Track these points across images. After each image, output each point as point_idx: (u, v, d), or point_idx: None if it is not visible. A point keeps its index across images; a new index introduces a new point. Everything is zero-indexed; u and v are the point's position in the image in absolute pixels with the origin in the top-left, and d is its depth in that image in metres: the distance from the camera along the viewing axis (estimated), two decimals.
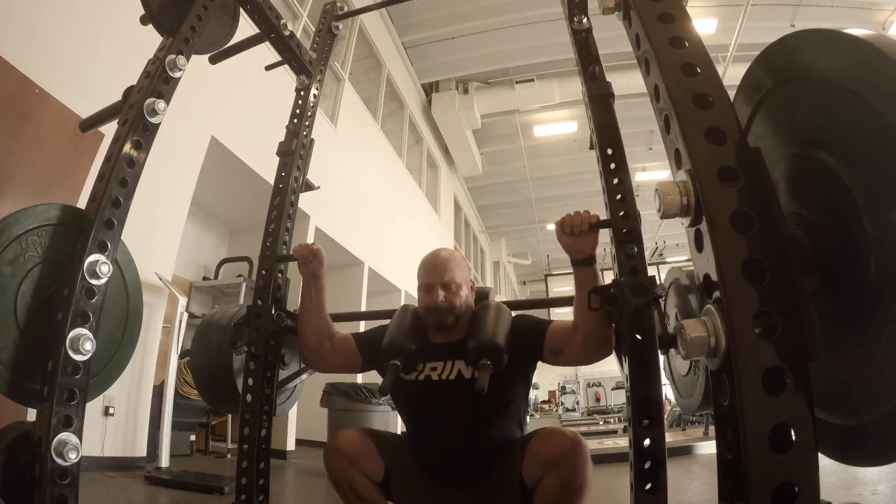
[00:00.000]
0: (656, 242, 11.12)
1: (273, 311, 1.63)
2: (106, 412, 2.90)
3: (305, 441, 4.83)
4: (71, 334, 1.08)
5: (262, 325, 1.61)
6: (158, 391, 3.32)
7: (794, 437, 0.60)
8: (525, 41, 7.63)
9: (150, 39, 1.46)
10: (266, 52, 2.08)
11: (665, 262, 9.43)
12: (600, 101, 1.47)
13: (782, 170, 1.00)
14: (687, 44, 0.84)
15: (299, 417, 4.68)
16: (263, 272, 1.70)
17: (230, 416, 4.28)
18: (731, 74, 5.25)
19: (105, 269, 1.17)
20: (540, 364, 1.48)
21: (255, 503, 1.49)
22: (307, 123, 1.96)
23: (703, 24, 6.90)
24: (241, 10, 1.79)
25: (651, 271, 1.30)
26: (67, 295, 1.11)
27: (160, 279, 3.27)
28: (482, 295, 1.63)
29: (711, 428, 3.57)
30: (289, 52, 1.95)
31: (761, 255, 0.66)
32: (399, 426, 3.81)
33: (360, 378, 4.64)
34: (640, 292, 1.21)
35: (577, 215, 1.30)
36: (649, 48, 0.86)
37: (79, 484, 1.05)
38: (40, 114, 2.54)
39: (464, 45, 7.79)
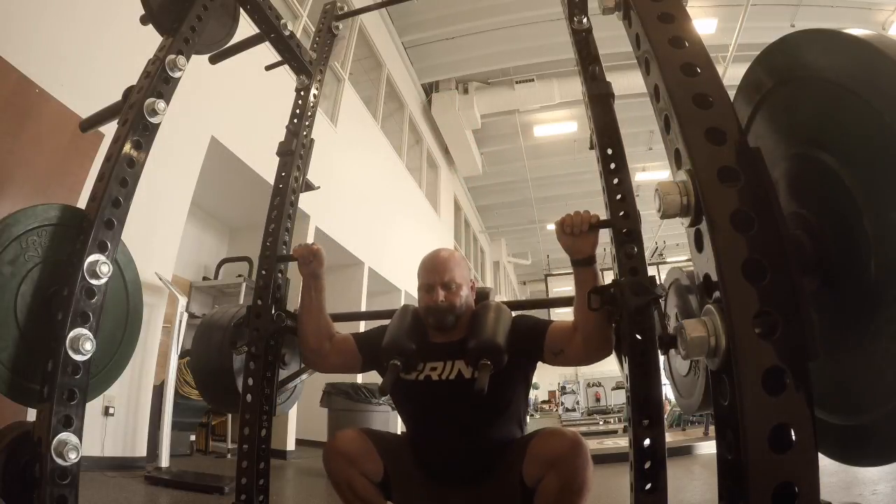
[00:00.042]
0: (656, 242, 11.12)
1: (273, 311, 1.63)
2: (106, 412, 2.90)
3: (305, 441, 4.83)
4: (71, 334, 1.08)
5: (262, 325, 1.61)
6: (158, 391, 3.32)
7: (794, 437, 0.60)
8: (525, 41, 7.63)
9: (150, 39, 1.46)
10: (266, 52, 2.08)
11: (665, 262, 9.43)
12: (600, 101, 1.47)
13: (782, 170, 1.00)
14: (687, 44, 0.84)
15: (299, 417, 4.69)
16: (263, 272, 1.70)
17: (230, 416, 4.28)
18: (731, 74, 5.24)
19: (105, 269, 1.17)
20: (540, 364, 1.48)
21: (255, 503, 1.49)
22: (307, 123, 1.96)
23: (703, 24, 6.90)
24: (241, 10, 1.79)
25: (651, 271, 1.30)
26: (67, 295, 1.11)
27: (160, 279, 3.27)
28: (482, 295, 1.63)
29: (711, 428, 3.57)
30: (289, 52, 1.95)
31: (761, 255, 0.66)
32: (399, 426, 3.81)
33: (360, 378, 4.64)
34: (640, 292, 1.21)
35: (577, 215, 1.30)
36: (649, 48, 0.86)
37: (79, 484, 1.05)
38: (40, 114, 2.54)
39: (464, 45, 7.79)
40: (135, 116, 1.29)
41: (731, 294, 0.64)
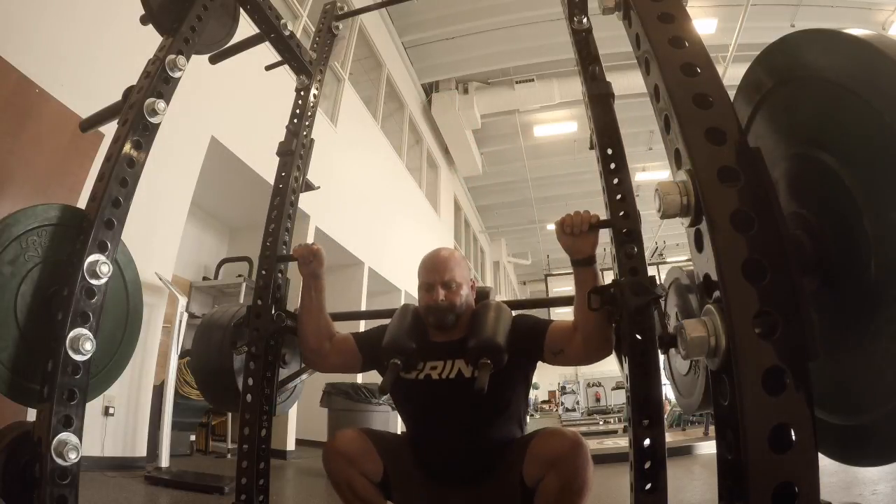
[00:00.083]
0: (656, 242, 11.13)
1: (273, 311, 1.63)
2: (106, 412, 2.90)
3: (305, 441, 4.83)
4: (71, 334, 1.08)
5: (262, 325, 1.61)
6: (158, 391, 3.32)
7: (794, 437, 0.60)
8: (525, 41, 7.63)
9: (151, 39, 1.46)
10: (266, 52, 2.08)
11: (665, 262, 9.44)
12: (600, 101, 1.47)
13: (782, 170, 1.00)
14: (687, 44, 0.84)
15: (299, 417, 4.69)
16: (263, 272, 1.70)
17: (230, 416, 4.28)
18: (731, 74, 5.24)
19: (105, 269, 1.17)
20: (540, 364, 1.48)
21: (255, 503, 1.49)
22: (307, 123, 1.96)
23: (703, 24, 6.90)
24: (241, 10, 1.79)
25: (651, 271, 1.30)
26: (67, 295, 1.11)
27: (160, 279, 3.27)
28: (482, 294, 1.63)
29: (711, 428, 3.57)
30: (289, 52, 1.95)
31: (761, 255, 0.66)
32: (399, 426, 3.81)
33: (360, 378, 4.64)
34: (640, 292, 1.21)
35: (577, 215, 1.30)
36: (649, 48, 0.86)
37: (79, 484, 1.05)
38: (40, 114, 2.54)
39: (464, 45, 7.79)
40: (135, 116, 1.29)
41: (731, 294, 0.64)
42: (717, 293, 0.67)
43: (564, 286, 10.34)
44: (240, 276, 4.70)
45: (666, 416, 3.10)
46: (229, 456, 4.03)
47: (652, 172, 10.26)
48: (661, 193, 0.74)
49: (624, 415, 5.57)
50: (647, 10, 0.90)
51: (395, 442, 1.49)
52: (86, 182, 2.64)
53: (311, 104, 2.00)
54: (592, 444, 2.39)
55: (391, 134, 7.73)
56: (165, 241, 3.43)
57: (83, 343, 1.09)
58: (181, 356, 3.50)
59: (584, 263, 1.32)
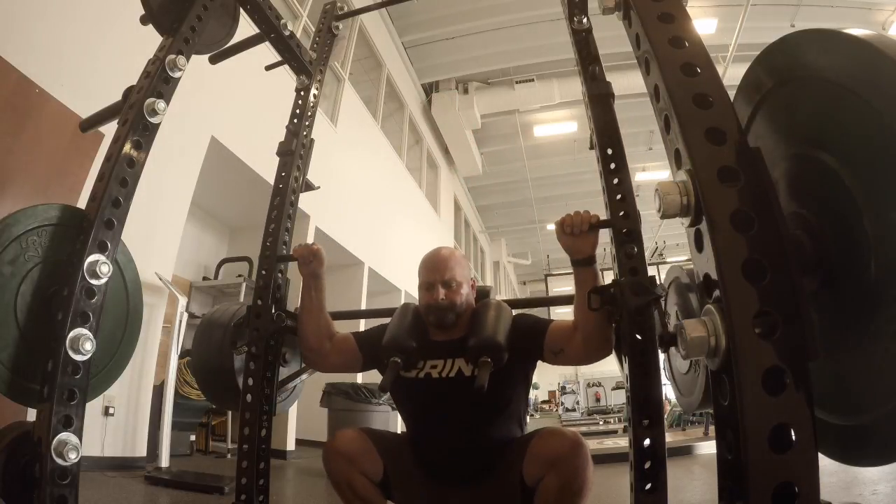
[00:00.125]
0: (656, 242, 11.13)
1: (273, 311, 1.63)
2: (106, 412, 2.90)
3: (305, 441, 4.83)
4: (71, 334, 1.08)
5: (262, 325, 1.61)
6: (158, 391, 3.32)
7: (794, 437, 0.60)
8: (525, 41, 7.63)
9: (151, 39, 1.46)
10: (266, 52, 2.08)
11: (665, 262, 9.44)
12: (600, 101, 1.47)
13: (782, 170, 1.00)
14: (687, 44, 0.84)
15: (299, 417, 4.69)
16: (263, 272, 1.70)
17: (230, 415, 4.28)
18: (731, 74, 5.24)
19: (105, 269, 1.17)
20: (540, 364, 1.48)
21: (255, 503, 1.49)
22: (307, 123, 1.96)
23: (703, 24, 6.90)
24: (241, 10, 1.79)
25: (651, 271, 1.30)
26: (67, 295, 1.11)
27: (160, 279, 3.27)
28: (483, 293, 1.63)
29: (711, 428, 3.57)
30: (289, 52, 1.95)
31: (761, 255, 0.66)
32: (399, 426, 3.81)
33: (360, 378, 4.64)
34: (640, 292, 1.21)
35: (577, 215, 1.30)
36: (649, 48, 0.86)
37: (79, 484, 1.05)
38: (40, 114, 2.54)
39: (464, 45, 7.79)
40: (135, 116, 1.29)
41: (731, 294, 0.64)
42: (717, 293, 0.67)
43: (564, 286, 10.34)
44: (240, 276, 4.70)
45: (666, 416, 3.10)
46: (229, 456, 4.03)
47: (652, 172, 10.26)
48: (661, 193, 0.74)
49: (624, 415, 5.57)
50: (647, 10, 0.90)
51: (395, 441, 1.49)
52: (86, 182, 2.64)
53: (311, 104, 2.00)
54: (592, 444, 2.40)
55: (391, 134, 7.73)
56: (165, 241, 3.43)
57: (83, 343, 1.09)
58: (181, 356, 3.50)
59: (584, 263, 1.32)
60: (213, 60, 1.81)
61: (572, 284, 1.37)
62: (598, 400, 15.02)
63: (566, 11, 1.61)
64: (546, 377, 18.01)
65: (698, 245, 0.72)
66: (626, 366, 1.24)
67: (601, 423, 10.11)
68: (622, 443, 4.86)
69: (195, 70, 1.52)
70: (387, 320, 1.58)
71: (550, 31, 6.93)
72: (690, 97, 0.78)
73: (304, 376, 1.76)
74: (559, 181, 11.40)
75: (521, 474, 1.29)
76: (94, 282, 1.14)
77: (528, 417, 1.56)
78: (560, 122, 9.62)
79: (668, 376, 1.67)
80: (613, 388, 13.98)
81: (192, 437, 4.24)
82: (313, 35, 2.18)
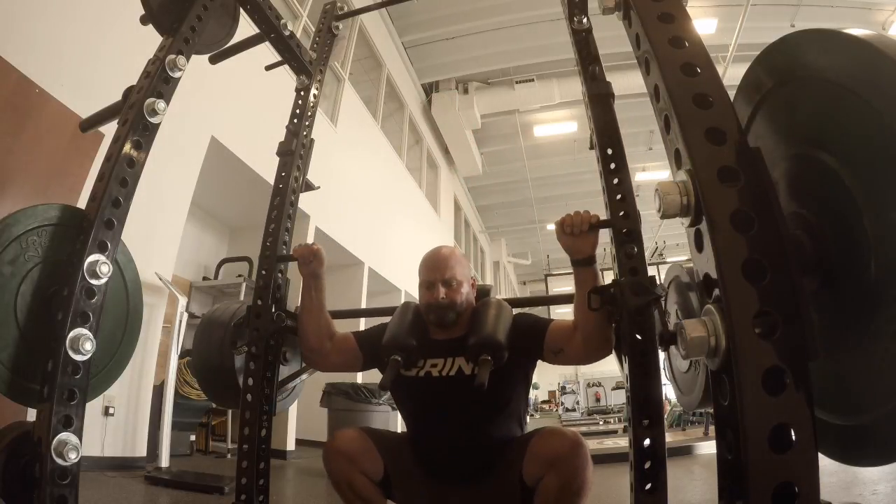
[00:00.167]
0: (656, 242, 11.13)
1: (273, 311, 1.63)
2: (106, 412, 2.90)
3: (305, 441, 4.83)
4: (71, 334, 1.08)
5: (262, 325, 1.61)
6: (158, 391, 3.32)
7: (794, 437, 0.60)
8: (525, 41, 7.62)
9: (151, 39, 1.46)
10: (266, 52, 2.08)
11: (665, 262, 9.43)
12: (600, 101, 1.47)
13: (782, 170, 1.00)
14: (687, 44, 0.84)
15: (299, 417, 4.69)
16: (263, 272, 1.70)
17: (230, 415, 4.28)
18: (731, 74, 5.24)
19: (105, 269, 1.17)
20: (540, 364, 1.48)
21: (255, 503, 1.49)
22: (307, 123, 1.96)
23: (703, 24, 6.90)
24: (241, 10, 1.79)
25: (651, 271, 1.30)
26: (67, 295, 1.11)
27: (160, 279, 3.27)
28: (483, 292, 1.63)
29: (711, 428, 3.57)
30: (289, 52, 1.95)
31: (761, 255, 0.66)
32: (399, 426, 3.81)
33: (360, 378, 4.64)
34: (640, 292, 1.21)
35: (577, 215, 1.30)
36: (649, 48, 0.86)
37: (79, 484, 1.05)
38: (40, 114, 2.54)
39: (464, 45, 7.79)
40: (135, 116, 1.29)
41: (731, 294, 0.65)
42: (717, 293, 0.67)
43: (564, 286, 10.33)
44: (240, 276, 4.70)
45: (666, 416, 3.10)
46: (229, 456, 4.03)
47: (652, 172, 10.26)
48: (661, 193, 0.74)
49: (624, 415, 5.57)
50: (647, 10, 0.90)
51: (395, 441, 1.49)
52: (86, 182, 2.64)
53: (311, 104, 2.00)
54: (592, 444, 2.40)
55: (391, 134, 7.73)
56: (165, 241, 3.43)
57: (83, 343, 1.09)
58: (181, 356, 3.50)
59: (584, 263, 1.32)
60: (213, 60, 1.81)
61: (572, 284, 1.37)
62: (598, 400, 15.02)
63: (566, 11, 1.61)
64: (546, 377, 18.02)
65: (698, 245, 0.72)
66: (626, 366, 1.24)
67: (601, 423, 10.11)
68: (622, 443, 4.86)
69: (195, 70, 1.52)
70: (387, 319, 1.58)
71: (550, 31, 6.93)
72: (690, 97, 0.78)
73: (304, 376, 1.76)
74: (559, 181, 11.40)
75: (520, 473, 1.29)
76: (94, 282, 1.14)
77: (528, 417, 1.56)
78: (560, 122, 9.62)
79: (668, 375, 1.67)
80: (613, 388, 13.98)
81: (192, 437, 4.24)
82: (313, 35, 2.18)
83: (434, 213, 9.65)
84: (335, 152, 5.42)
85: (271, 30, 1.85)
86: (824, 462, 0.72)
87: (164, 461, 3.08)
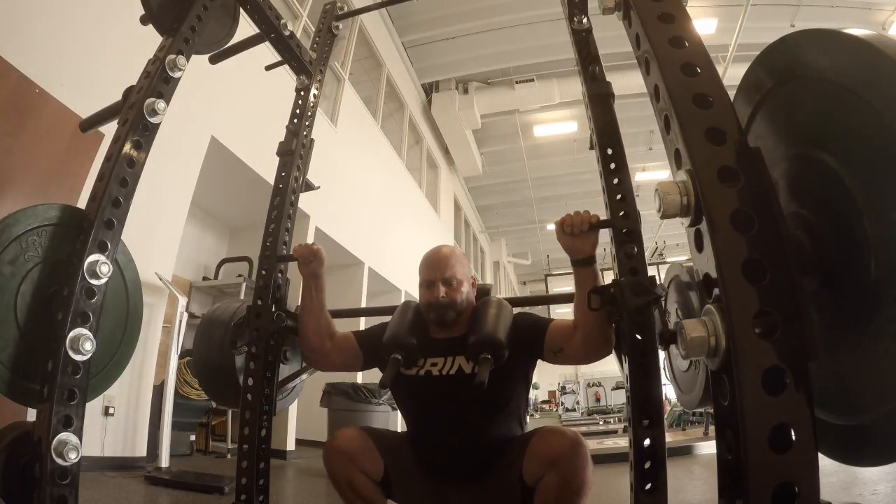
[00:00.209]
0: (656, 242, 11.12)
1: (273, 311, 1.63)
2: (106, 412, 2.90)
3: (305, 441, 4.83)
4: (71, 334, 1.08)
5: (262, 325, 1.61)
6: (158, 391, 3.32)
7: (794, 437, 0.60)
8: (525, 41, 7.63)
9: (151, 39, 1.46)
10: (266, 52, 2.08)
11: (665, 262, 9.43)
12: (600, 101, 1.47)
13: (782, 170, 1.01)
14: (687, 44, 0.84)
15: (299, 417, 4.69)
16: (263, 272, 1.70)
17: (230, 415, 4.28)
18: (731, 74, 5.25)
19: (105, 269, 1.17)
20: (540, 364, 1.48)
21: (255, 503, 1.49)
22: (307, 123, 1.96)
23: (703, 24, 6.90)
24: (241, 10, 1.79)
25: (651, 271, 1.30)
26: (67, 295, 1.11)
27: (160, 279, 3.27)
28: (483, 291, 1.63)
29: (711, 428, 3.57)
30: (289, 52, 1.95)
31: (761, 255, 0.66)
32: (399, 426, 3.81)
33: (360, 378, 4.64)
34: (640, 292, 1.21)
35: (576, 215, 1.30)
36: (649, 48, 0.86)
37: (79, 484, 1.05)
38: (40, 114, 2.54)
39: (464, 45, 7.79)
40: (135, 116, 1.29)
41: (731, 294, 0.65)
42: (716, 293, 0.67)
43: (564, 286, 10.31)
44: (240, 276, 4.70)
45: (666, 416, 3.10)
46: (229, 456, 4.03)
47: (652, 172, 10.26)
48: (661, 193, 0.74)
49: (624, 415, 5.57)
50: (647, 10, 0.90)
51: (395, 440, 1.49)
52: (86, 182, 2.64)
53: (311, 104, 2.00)
54: (592, 444, 2.39)
55: (391, 134, 7.73)
56: (165, 241, 3.43)
57: (83, 343, 1.09)
58: (181, 356, 3.50)
59: (584, 263, 1.32)
60: (213, 60, 1.81)
61: (572, 284, 1.37)
62: (598, 400, 15.01)
63: (566, 11, 1.61)
64: (546, 377, 18.02)
65: (698, 245, 0.72)
66: (626, 366, 1.24)
67: (601, 423, 10.10)
68: (622, 443, 4.86)
69: (195, 70, 1.52)
70: (387, 319, 1.58)
71: (550, 31, 6.93)
72: (690, 97, 0.78)
73: (304, 376, 1.76)
74: (559, 181, 11.40)
75: (520, 473, 1.29)
76: (94, 282, 1.14)
77: (528, 417, 1.56)
78: (560, 122, 9.62)
79: (668, 374, 1.67)
80: (613, 388, 13.97)
81: (192, 437, 4.24)
82: (313, 35, 2.18)
83: (434, 213, 9.65)
84: (335, 152, 5.42)
85: (271, 30, 1.85)
86: (824, 462, 0.72)
87: (164, 461, 3.08)
